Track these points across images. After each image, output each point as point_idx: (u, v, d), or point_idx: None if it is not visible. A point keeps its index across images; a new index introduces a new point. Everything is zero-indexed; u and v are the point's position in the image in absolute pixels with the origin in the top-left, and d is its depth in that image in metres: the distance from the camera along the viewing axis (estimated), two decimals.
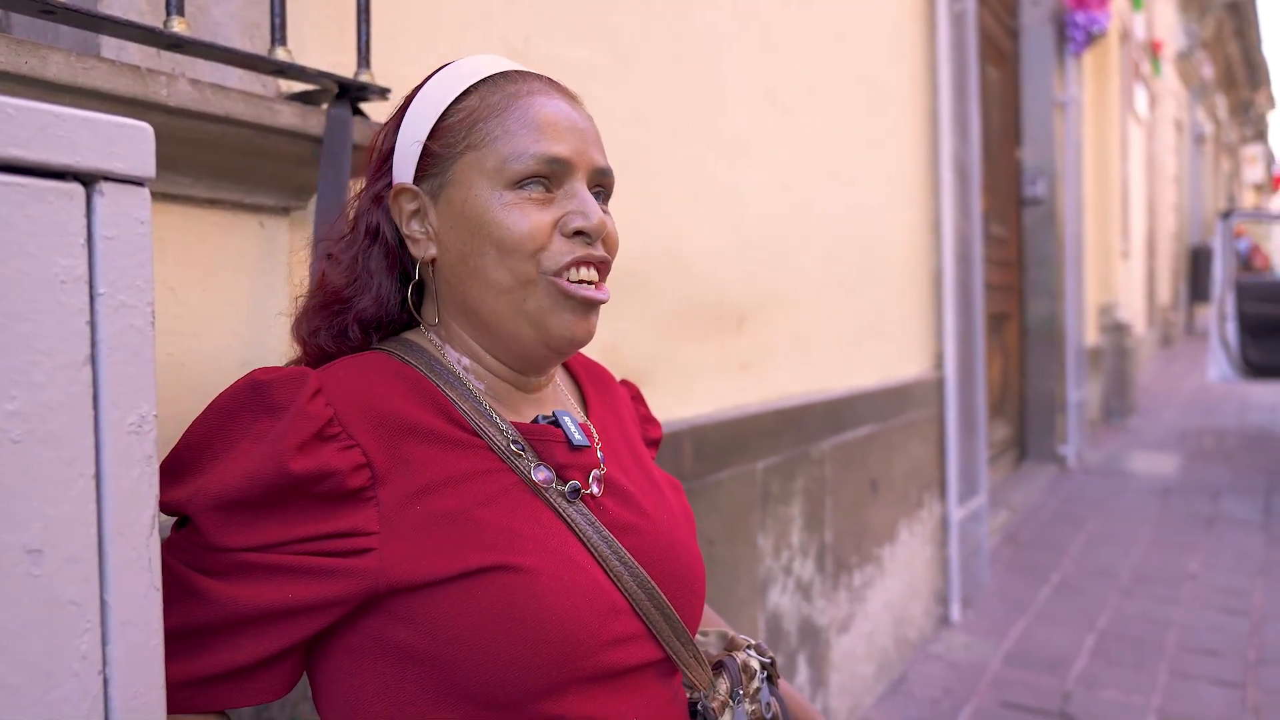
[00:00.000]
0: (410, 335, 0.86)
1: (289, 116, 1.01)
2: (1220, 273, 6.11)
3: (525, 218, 0.78)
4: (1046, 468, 5.54)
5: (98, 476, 0.54)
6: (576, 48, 1.59)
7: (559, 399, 0.90)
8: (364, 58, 1.09)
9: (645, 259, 1.75)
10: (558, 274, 0.79)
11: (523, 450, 0.80)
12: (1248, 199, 26.35)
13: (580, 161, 0.81)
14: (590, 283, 0.80)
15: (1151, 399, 8.51)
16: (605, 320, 1.65)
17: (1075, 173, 5.82)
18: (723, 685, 0.87)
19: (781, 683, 0.98)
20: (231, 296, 1.03)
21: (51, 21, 0.84)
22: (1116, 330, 7.37)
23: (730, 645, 0.94)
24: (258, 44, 1.04)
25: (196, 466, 0.71)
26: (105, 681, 0.54)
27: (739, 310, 2.07)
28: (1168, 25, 11.37)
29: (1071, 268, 5.70)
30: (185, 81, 0.91)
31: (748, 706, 0.88)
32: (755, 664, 0.91)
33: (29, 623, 0.50)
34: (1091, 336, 6.78)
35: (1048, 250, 5.60)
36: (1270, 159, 27.04)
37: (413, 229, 0.83)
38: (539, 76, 0.84)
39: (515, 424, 0.82)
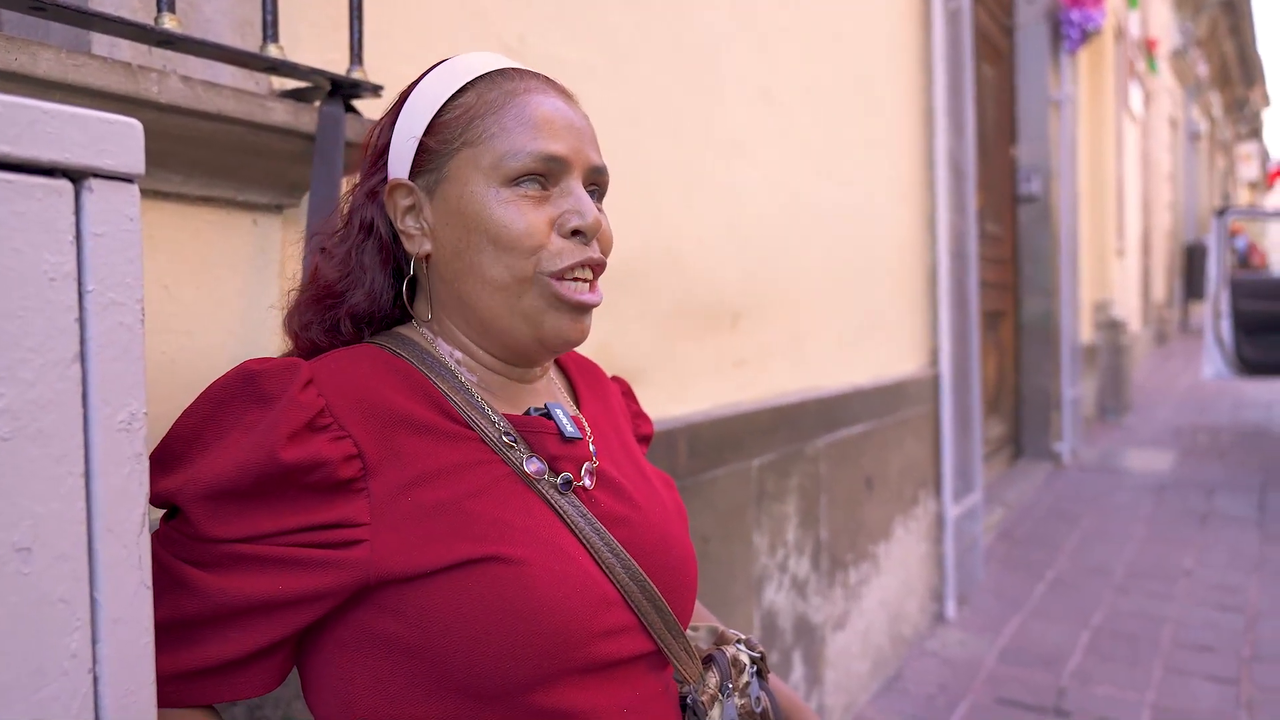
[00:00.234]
0: (402, 329, 0.86)
1: (281, 114, 1.01)
2: (1215, 270, 6.12)
3: (522, 215, 0.78)
4: (1041, 465, 5.55)
5: (87, 474, 0.54)
6: (572, 47, 1.59)
7: (551, 392, 0.90)
8: (357, 55, 1.09)
9: (641, 258, 1.75)
10: (554, 275, 0.79)
11: (515, 442, 0.80)
12: (1243, 196, 26.41)
13: (576, 160, 0.81)
14: (585, 281, 0.81)
15: (1146, 396, 8.53)
16: (601, 319, 1.66)
17: (1070, 170, 5.82)
18: (712, 679, 0.87)
19: (771, 677, 0.98)
20: (224, 294, 1.03)
21: (42, 18, 0.83)
22: (1111, 328, 7.38)
23: (720, 640, 0.95)
24: (249, 41, 1.04)
25: (186, 457, 0.71)
26: (95, 680, 0.54)
27: (734, 308, 2.07)
28: (1163, 23, 11.39)
29: (1067, 265, 5.71)
30: (177, 78, 0.90)
31: (737, 700, 0.88)
32: (745, 658, 0.92)
33: (18, 621, 0.50)
34: (1086, 334, 6.79)
35: (1043, 248, 5.61)
36: (1265, 156, 27.10)
37: (408, 224, 0.83)
38: (536, 75, 0.84)
39: (507, 416, 0.82)
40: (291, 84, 1.08)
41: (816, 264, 2.46)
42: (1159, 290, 12.50)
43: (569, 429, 0.84)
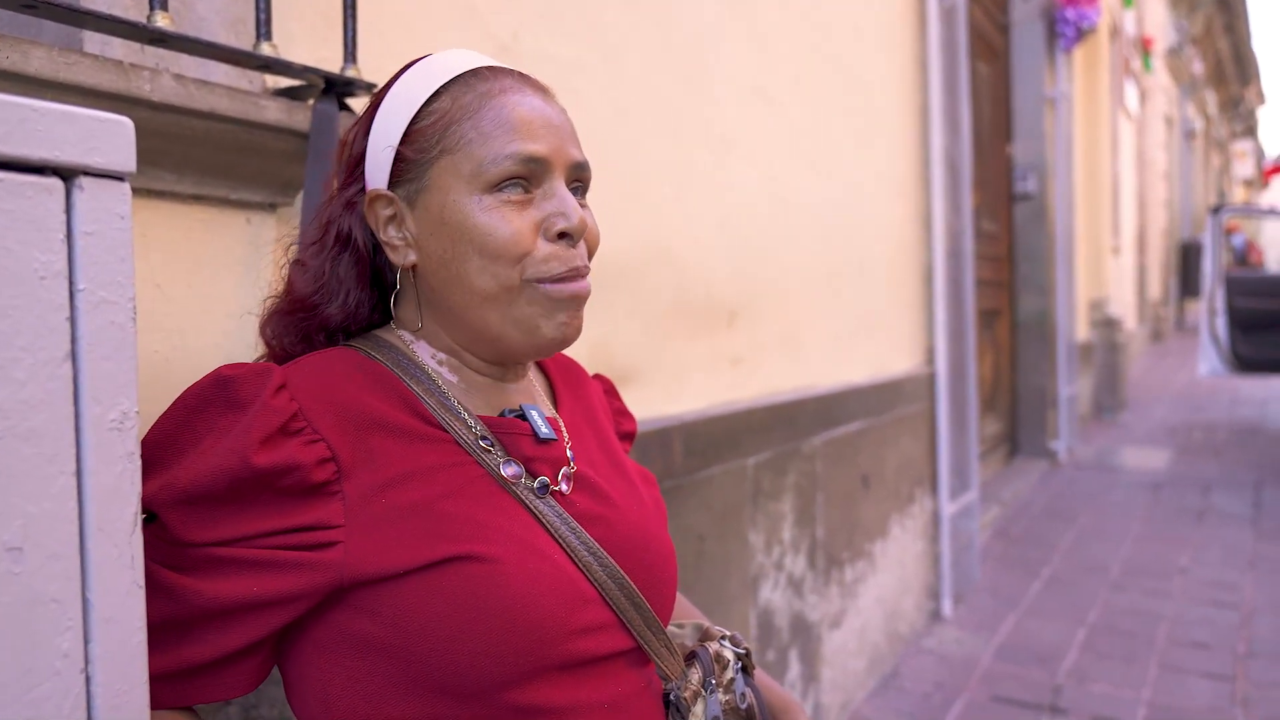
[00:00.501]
0: (380, 332, 0.86)
1: (275, 112, 1.00)
2: (1210, 268, 6.13)
3: (506, 223, 0.77)
4: (1037, 463, 5.56)
5: (79, 473, 0.53)
6: (564, 44, 1.59)
7: (530, 393, 0.90)
8: (350, 53, 1.09)
9: (635, 256, 1.74)
10: (542, 280, 0.78)
11: (491, 446, 0.80)
12: (1238, 194, 26.46)
13: (558, 159, 0.80)
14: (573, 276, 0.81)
15: (1142, 394, 8.55)
16: (595, 317, 1.66)
17: (1066, 168, 5.83)
18: (695, 675, 0.87)
19: (758, 673, 0.98)
20: (218, 293, 1.03)
21: (34, 16, 0.83)
22: (1107, 325, 7.39)
23: (704, 636, 0.94)
24: (243, 39, 1.03)
25: (162, 462, 0.71)
26: (87, 680, 0.54)
27: (729, 306, 2.07)
28: (1158, 21, 11.41)
29: (1062, 263, 5.72)
30: (169, 77, 0.90)
31: (721, 696, 0.88)
32: (729, 654, 0.91)
33: (9, 621, 0.50)
34: (1082, 332, 6.80)
35: (1039, 246, 5.62)
36: (1260, 154, 27.16)
37: (390, 235, 0.82)
38: (510, 72, 0.83)
39: (483, 418, 0.82)
40: (285, 82, 1.08)
41: (812, 262, 2.46)
42: (1154, 288, 12.52)
43: (543, 430, 0.84)
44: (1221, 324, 6.05)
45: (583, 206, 0.82)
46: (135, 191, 0.91)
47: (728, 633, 0.94)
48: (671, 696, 0.84)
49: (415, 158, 0.80)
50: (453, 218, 0.78)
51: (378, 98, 0.84)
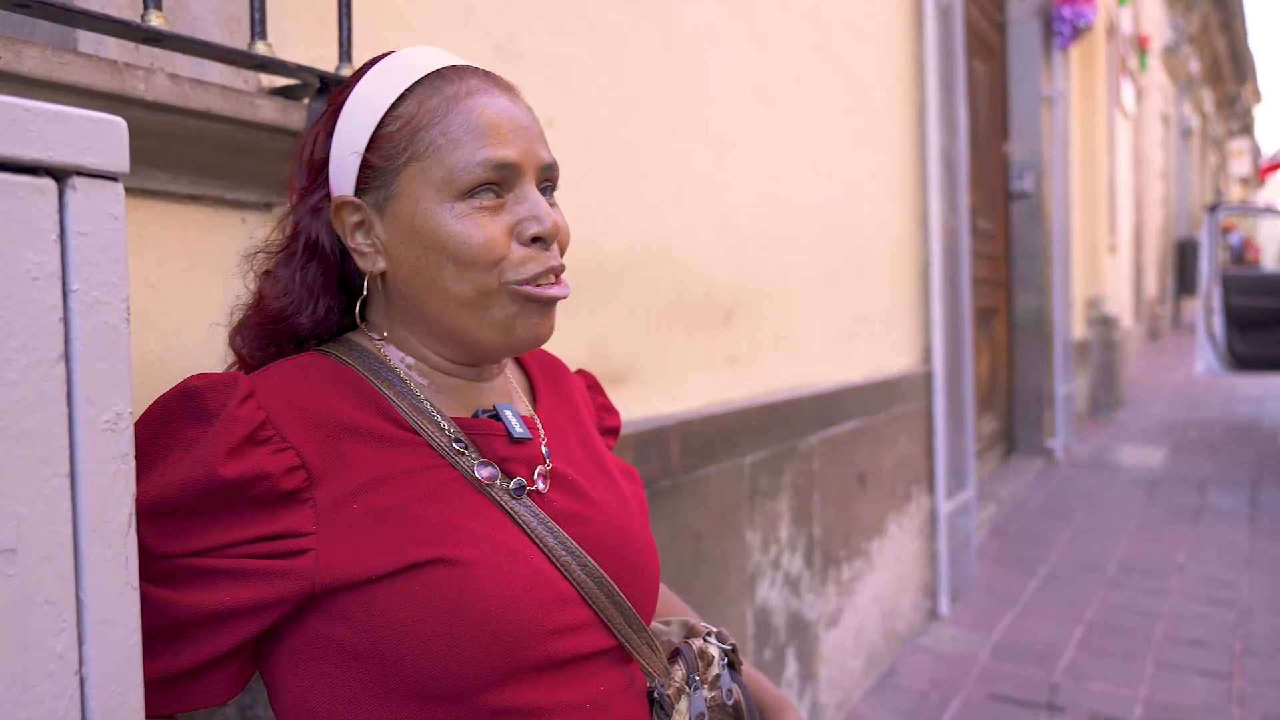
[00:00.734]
0: (352, 335, 0.85)
1: (270, 111, 1.00)
2: (1207, 266, 6.13)
3: (480, 229, 0.77)
4: (1034, 461, 5.56)
5: (72, 475, 0.53)
6: (562, 43, 1.58)
7: (507, 391, 0.90)
8: (345, 52, 1.08)
9: (633, 255, 1.74)
10: (522, 283, 0.78)
11: (465, 448, 0.80)
12: (1234, 192, 26.49)
13: (528, 162, 0.79)
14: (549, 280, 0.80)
15: (1139, 392, 8.56)
16: (593, 317, 1.66)
17: (1062, 167, 5.83)
18: (678, 672, 0.86)
19: (746, 669, 0.97)
20: (213, 293, 1.03)
21: (28, 15, 0.83)
22: (1104, 324, 7.40)
23: (690, 633, 0.94)
24: (237, 38, 1.03)
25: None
26: (82, 681, 0.54)
27: (727, 305, 2.06)
28: (1154, 19, 11.42)
29: (1059, 262, 5.72)
30: (164, 76, 0.90)
31: (706, 693, 0.87)
32: (714, 651, 0.90)
33: (3, 623, 0.50)
34: (1079, 330, 6.81)
35: (1035, 244, 5.62)
36: (1256, 152, 27.20)
37: (358, 242, 0.81)
38: (475, 72, 0.82)
39: (456, 419, 0.81)
40: (280, 81, 1.08)
41: (809, 261, 2.46)
42: (1151, 286, 12.53)
43: (518, 429, 0.83)
44: (1218, 322, 6.06)
45: (552, 206, 0.82)
46: (130, 191, 0.91)
47: (714, 629, 0.94)
48: (655, 694, 0.84)
49: (382, 164, 0.79)
50: (424, 226, 0.77)
51: (338, 100, 0.82)
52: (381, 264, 0.81)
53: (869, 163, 2.88)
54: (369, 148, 0.79)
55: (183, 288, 1.00)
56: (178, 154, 0.95)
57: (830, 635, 2.48)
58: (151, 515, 0.69)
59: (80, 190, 0.53)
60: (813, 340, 2.48)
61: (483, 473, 0.79)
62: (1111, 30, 7.99)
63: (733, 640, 0.94)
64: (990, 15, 5.18)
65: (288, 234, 0.85)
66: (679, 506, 1.81)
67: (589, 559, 0.80)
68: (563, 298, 0.81)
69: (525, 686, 0.74)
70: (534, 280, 0.79)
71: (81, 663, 0.54)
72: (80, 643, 0.54)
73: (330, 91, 1.06)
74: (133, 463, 0.57)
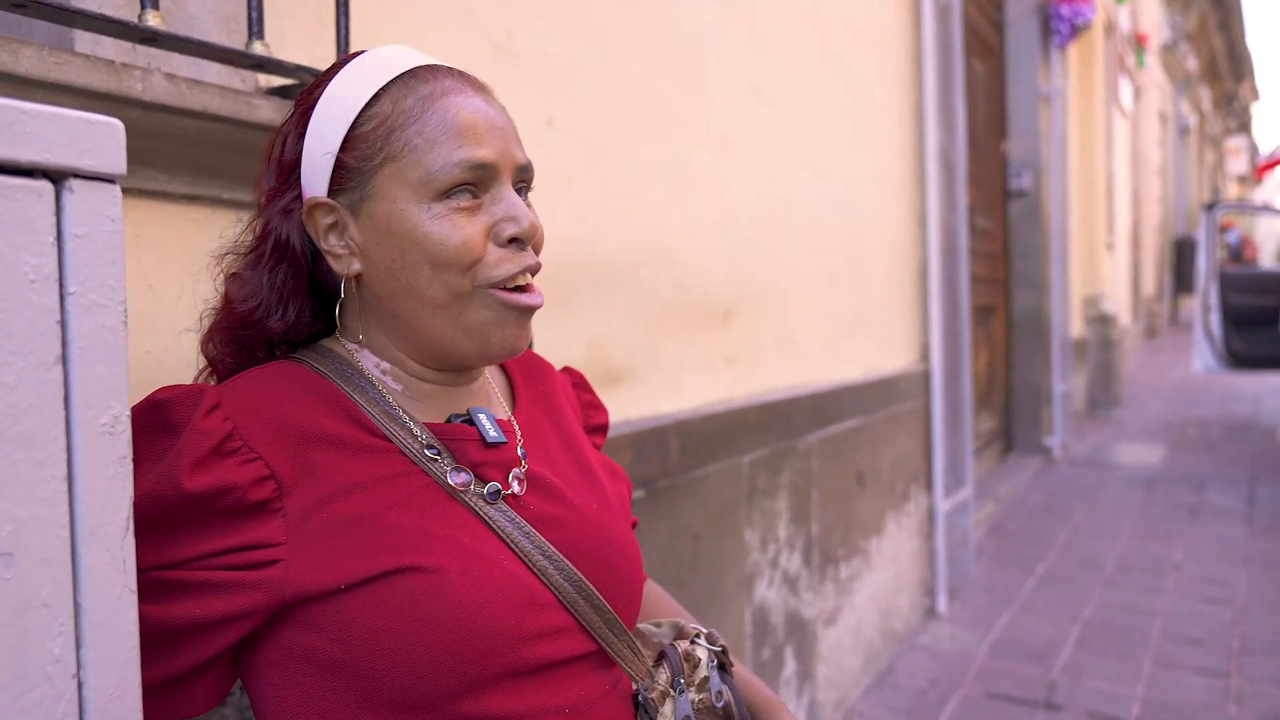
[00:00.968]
0: (326, 341, 0.84)
1: (267, 111, 1.00)
2: (1204, 264, 6.14)
3: (457, 230, 0.76)
4: (1032, 459, 5.57)
5: (70, 478, 0.53)
6: (561, 42, 1.58)
7: (484, 395, 0.89)
8: (343, 51, 1.08)
9: (631, 255, 1.74)
10: (494, 286, 0.78)
11: (438, 454, 0.79)
12: (1232, 191, 26.52)
13: (504, 162, 0.79)
14: (524, 287, 0.80)
15: (1136, 390, 8.57)
16: (592, 316, 1.65)
17: (1060, 165, 5.84)
18: (663, 675, 0.85)
19: (740, 670, 0.96)
20: (210, 293, 1.02)
21: (24, 15, 0.83)
22: (1101, 322, 7.41)
23: (679, 634, 0.93)
24: (235, 38, 1.03)
25: None
26: (80, 685, 0.54)
27: (725, 305, 2.06)
28: (1152, 18, 11.42)
29: (1057, 260, 5.73)
30: (161, 76, 0.90)
31: (693, 695, 0.86)
32: (701, 653, 0.89)
33: (0, 627, 0.49)
34: (1077, 328, 6.81)
35: (1033, 243, 5.62)
36: (1254, 151, 27.22)
37: (332, 244, 0.80)
38: (449, 71, 0.81)
39: (429, 425, 0.80)
40: (278, 81, 1.08)
41: (807, 260, 2.46)
42: (1149, 284, 12.54)
43: (492, 434, 0.82)
44: (1216, 320, 6.06)
45: (528, 207, 0.81)
46: (127, 191, 0.91)
47: (703, 630, 0.93)
48: (640, 698, 0.83)
49: (357, 165, 0.78)
50: (401, 227, 0.77)
51: (309, 99, 0.81)
52: (356, 266, 0.80)
53: (868, 162, 2.88)
54: (342, 148, 0.78)
55: (180, 288, 0.99)
56: (175, 154, 0.95)
57: (828, 634, 2.48)
58: None
59: (77, 192, 0.53)
60: (811, 340, 2.48)
61: (456, 479, 0.78)
62: (1109, 28, 7.99)
63: (723, 641, 0.93)
64: (988, 14, 5.18)
65: (256, 235, 0.83)
66: (677, 506, 1.81)
67: (566, 563, 0.79)
68: (538, 307, 0.81)
69: (501, 693, 0.74)
70: (510, 280, 0.78)
71: (79, 666, 0.54)
72: (78, 646, 0.54)
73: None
74: (130, 466, 0.57)
